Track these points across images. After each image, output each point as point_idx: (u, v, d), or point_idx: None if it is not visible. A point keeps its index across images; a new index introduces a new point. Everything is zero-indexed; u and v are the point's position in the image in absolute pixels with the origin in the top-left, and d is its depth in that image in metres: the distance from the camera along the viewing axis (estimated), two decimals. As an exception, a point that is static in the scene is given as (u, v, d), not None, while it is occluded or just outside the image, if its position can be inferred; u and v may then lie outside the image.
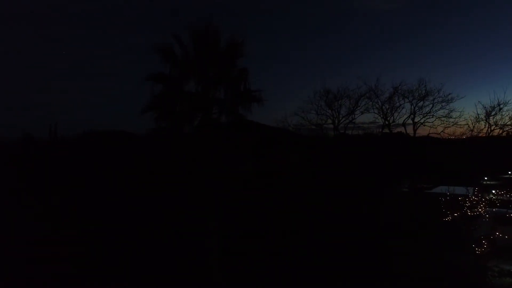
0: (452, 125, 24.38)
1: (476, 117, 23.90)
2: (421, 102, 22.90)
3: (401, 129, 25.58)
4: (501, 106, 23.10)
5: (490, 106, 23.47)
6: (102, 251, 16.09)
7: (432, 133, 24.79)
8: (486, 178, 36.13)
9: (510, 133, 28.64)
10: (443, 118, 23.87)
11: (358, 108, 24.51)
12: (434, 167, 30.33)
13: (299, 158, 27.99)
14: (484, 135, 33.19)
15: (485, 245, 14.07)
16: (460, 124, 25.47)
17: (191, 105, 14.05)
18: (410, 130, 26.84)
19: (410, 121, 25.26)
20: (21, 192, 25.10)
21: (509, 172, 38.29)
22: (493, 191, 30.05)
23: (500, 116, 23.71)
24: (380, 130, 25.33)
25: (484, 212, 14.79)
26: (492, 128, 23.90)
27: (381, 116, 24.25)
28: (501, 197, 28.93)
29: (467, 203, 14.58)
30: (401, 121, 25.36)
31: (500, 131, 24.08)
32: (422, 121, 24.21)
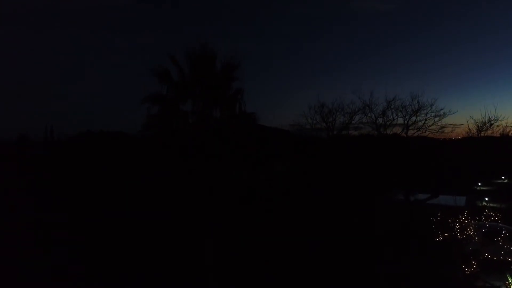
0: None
1: (467, 132, 24.30)
2: (414, 118, 23.19)
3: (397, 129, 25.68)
4: (492, 122, 23.54)
5: (482, 122, 23.90)
6: (93, 261, 16.21)
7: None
8: (480, 184, 36.50)
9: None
10: (436, 133, 24.21)
11: (353, 123, 24.93)
12: (430, 171, 30.62)
13: (293, 163, 28.28)
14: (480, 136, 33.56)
15: (475, 264, 14.31)
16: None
17: (188, 124, 14.20)
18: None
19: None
20: (16, 193, 25.21)
21: (502, 177, 38.63)
22: (486, 199, 30.39)
23: (491, 131, 24.18)
24: (375, 131, 25.42)
25: (474, 233, 15.04)
26: (484, 143, 24.35)
27: (375, 129, 24.57)
28: (493, 205, 29.37)
29: (457, 225, 14.83)
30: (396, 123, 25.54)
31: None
32: (415, 135, 24.54)
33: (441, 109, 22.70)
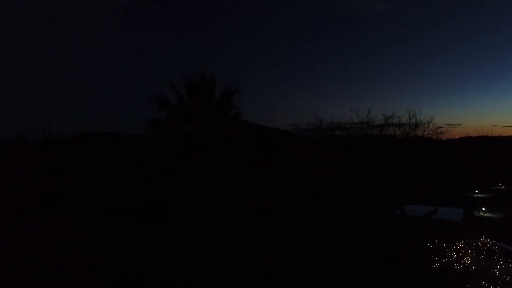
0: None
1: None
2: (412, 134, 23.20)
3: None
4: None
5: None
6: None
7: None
8: (477, 191, 36.62)
9: None
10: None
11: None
12: (428, 178, 30.62)
13: (289, 167, 28.30)
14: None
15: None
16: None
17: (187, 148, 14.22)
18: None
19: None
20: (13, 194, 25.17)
21: (499, 184, 38.76)
22: (483, 209, 30.47)
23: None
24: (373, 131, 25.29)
25: (470, 259, 15.02)
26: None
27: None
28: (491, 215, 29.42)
29: (454, 254, 14.83)
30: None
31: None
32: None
33: (439, 127, 22.71)
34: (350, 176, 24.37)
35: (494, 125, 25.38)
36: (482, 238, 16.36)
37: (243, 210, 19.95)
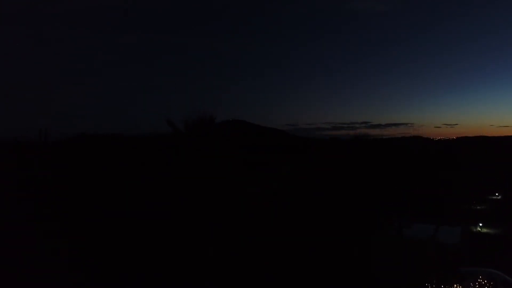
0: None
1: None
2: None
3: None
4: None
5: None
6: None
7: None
8: (474, 202, 36.59)
9: None
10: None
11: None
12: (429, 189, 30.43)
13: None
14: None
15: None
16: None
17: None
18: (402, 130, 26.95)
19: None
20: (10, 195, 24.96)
21: (496, 194, 38.72)
22: (480, 224, 30.41)
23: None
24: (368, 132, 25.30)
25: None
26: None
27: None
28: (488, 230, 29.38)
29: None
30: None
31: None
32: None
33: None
34: (347, 181, 24.18)
35: (491, 125, 25.01)
36: (479, 276, 16.32)
37: (242, 211, 19.85)
